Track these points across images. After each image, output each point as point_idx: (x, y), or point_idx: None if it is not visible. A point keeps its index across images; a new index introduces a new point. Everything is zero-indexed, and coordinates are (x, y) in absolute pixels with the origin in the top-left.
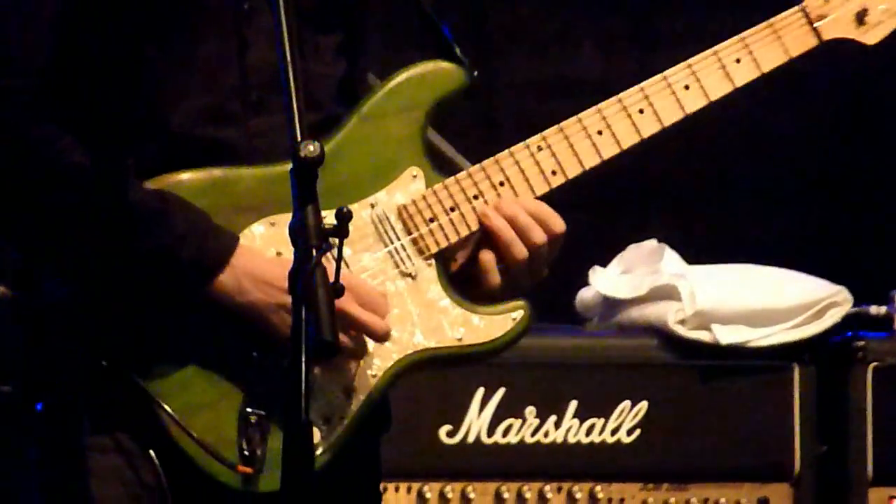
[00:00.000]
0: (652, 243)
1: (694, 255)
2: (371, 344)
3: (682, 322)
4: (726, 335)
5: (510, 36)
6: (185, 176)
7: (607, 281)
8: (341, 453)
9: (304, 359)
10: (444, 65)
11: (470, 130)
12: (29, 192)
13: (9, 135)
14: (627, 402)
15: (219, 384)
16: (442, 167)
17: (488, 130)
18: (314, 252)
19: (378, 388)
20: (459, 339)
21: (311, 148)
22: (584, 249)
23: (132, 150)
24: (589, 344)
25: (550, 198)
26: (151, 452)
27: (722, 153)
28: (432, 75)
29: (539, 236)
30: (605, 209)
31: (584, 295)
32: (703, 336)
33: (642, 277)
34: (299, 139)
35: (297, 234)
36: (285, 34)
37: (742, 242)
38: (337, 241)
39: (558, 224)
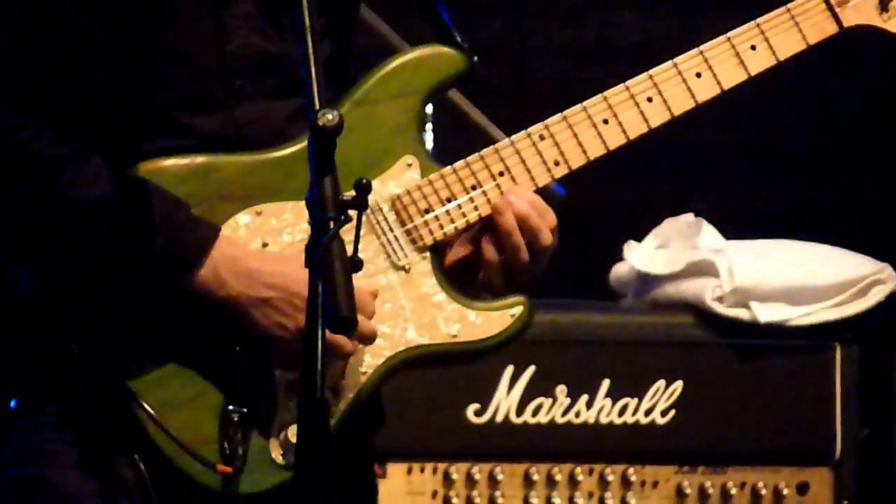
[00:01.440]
0: (689, 217)
1: (733, 229)
2: (359, 343)
3: (719, 299)
4: (765, 313)
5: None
6: (168, 162)
7: (642, 256)
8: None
9: (319, 335)
10: (443, 49)
11: (503, 98)
12: None
13: None
14: (662, 382)
15: (198, 380)
16: (474, 136)
17: (522, 98)
18: (331, 224)
19: (368, 386)
20: (454, 336)
21: (329, 116)
22: (618, 223)
23: (113, 138)
24: (622, 321)
25: (583, 170)
26: (135, 455)
27: (763, 124)
28: (429, 60)
29: (547, 238)
30: (640, 182)
31: (619, 270)
32: (741, 314)
33: (679, 252)
34: (317, 107)
35: (314, 206)
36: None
37: (783, 217)
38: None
39: (552, 220)
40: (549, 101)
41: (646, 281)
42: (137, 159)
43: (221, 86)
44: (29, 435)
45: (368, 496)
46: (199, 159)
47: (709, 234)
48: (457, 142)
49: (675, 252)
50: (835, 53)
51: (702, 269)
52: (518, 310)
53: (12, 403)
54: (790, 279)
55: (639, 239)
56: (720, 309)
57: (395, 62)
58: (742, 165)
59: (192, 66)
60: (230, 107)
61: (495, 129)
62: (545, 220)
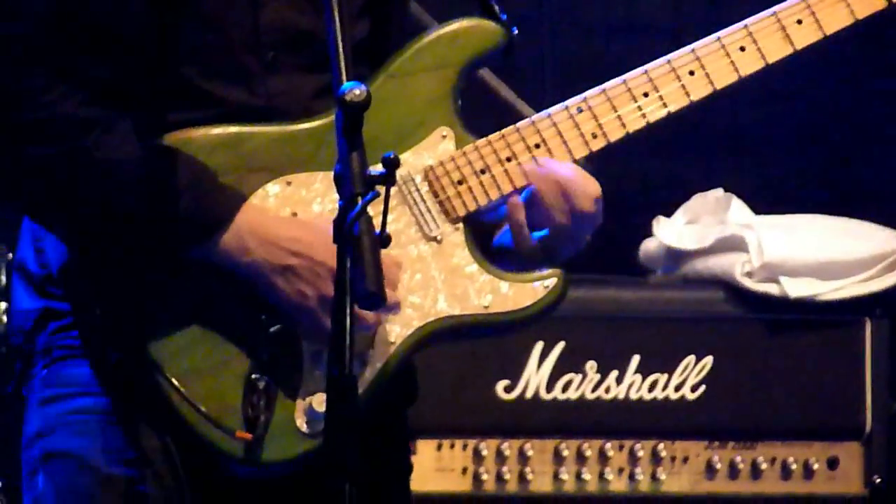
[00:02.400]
0: (718, 192)
1: (762, 204)
2: (381, 315)
3: (749, 274)
4: (795, 288)
5: None
6: (197, 133)
7: (672, 231)
8: (365, 420)
9: (348, 309)
10: (480, 21)
11: (533, 74)
12: (17, 143)
13: (1, 82)
14: (692, 358)
15: (223, 349)
16: (502, 113)
17: (553, 75)
18: (359, 200)
19: (396, 356)
20: (486, 307)
21: (357, 91)
22: (647, 199)
23: (143, 107)
24: (652, 297)
25: (612, 145)
26: (160, 425)
27: (793, 99)
28: (467, 33)
29: (586, 206)
30: (669, 157)
31: (648, 246)
32: (770, 289)
33: (708, 228)
34: (344, 82)
35: (342, 181)
36: None
37: (813, 192)
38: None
39: (595, 189)
40: (576, 78)
41: (675, 256)
42: (167, 129)
43: (253, 57)
44: (54, 406)
45: (402, 471)
46: (230, 130)
47: (738, 210)
48: (482, 118)
49: (704, 227)
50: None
51: (731, 244)
52: (552, 282)
53: (40, 374)
54: (820, 254)
55: (668, 214)
56: (750, 284)
57: (433, 34)
58: (772, 140)
59: (226, 36)
60: (261, 78)
61: (523, 104)
62: (584, 188)
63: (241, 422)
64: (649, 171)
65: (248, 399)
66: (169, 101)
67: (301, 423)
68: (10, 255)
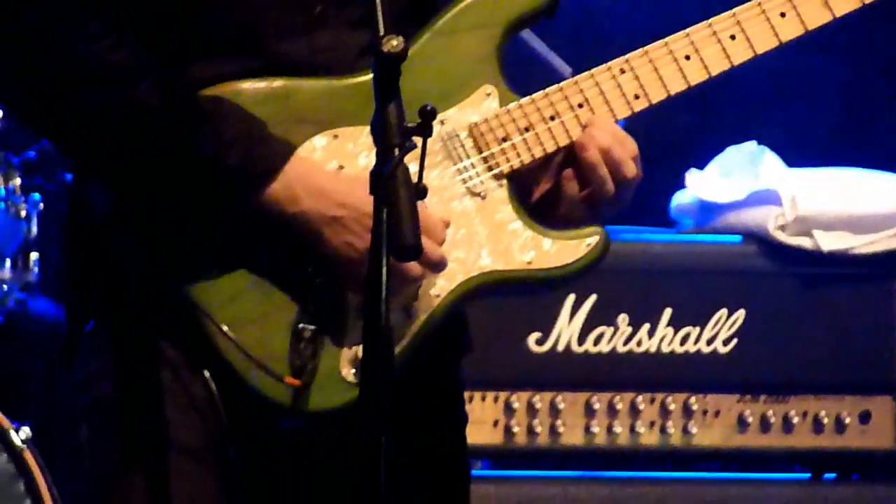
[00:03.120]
0: (751, 145)
1: (795, 157)
2: (427, 270)
3: (782, 228)
4: (828, 241)
5: None
6: (245, 84)
7: (705, 184)
8: (413, 373)
9: (384, 261)
10: None
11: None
12: (70, 89)
13: (48, 34)
14: (724, 311)
15: (270, 298)
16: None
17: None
18: (396, 151)
19: (441, 309)
20: (529, 263)
21: (394, 42)
22: (680, 152)
23: (191, 59)
24: (684, 250)
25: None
26: (205, 372)
27: (827, 52)
28: None
29: (630, 169)
30: (702, 110)
31: (681, 198)
32: (803, 242)
33: (741, 181)
34: (381, 33)
35: (378, 132)
36: None
37: (847, 145)
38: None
39: (634, 148)
40: (614, 47)
41: (708, 209)
42: (213, 81)
43: (300, 10)
44: (100, 357)
45: (457, 422)
46: (278, 83)
47: (771, 163)
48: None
49: (737, 180)
50: None
51: (764, 197)
52: (594, 239)
53: (88, 327)
54: (853, 207)
55: (701, 167)
56: (783, 237)
57: None
58: (806, 93)
59: None
60: (308, 32)
61: (558, 59)
62: (627, 150)
63: (288, 369)
64: (682, 123)
65: (295, 347)
66: (215, 52)
67: (347, 373)
68: (42, 203)
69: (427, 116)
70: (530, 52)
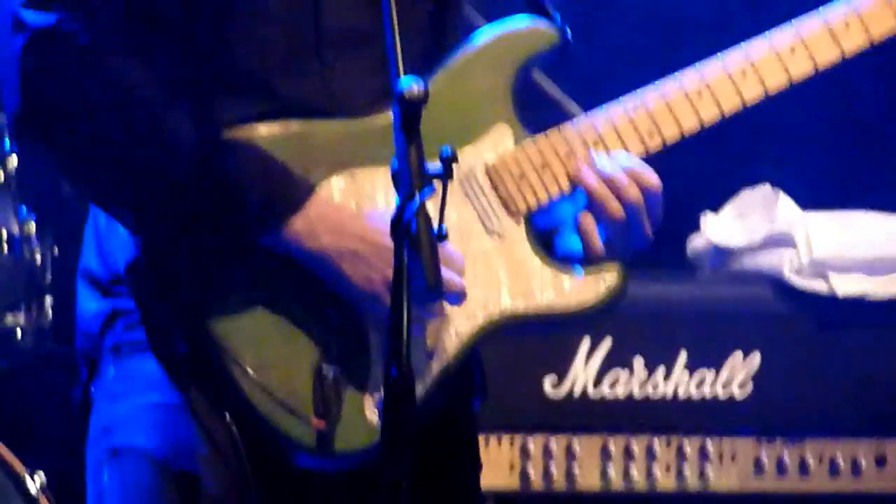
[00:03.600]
0: (766, 188)
1: (810, 201)
2: (448, 305)
3: (797, 271)
4: (844, 285)
5: None
6: (262, 129)
7: (720, 227)
8: (430, 414)
9: (405, 305)
10: (538, 23)
11: (577, 69)
12: (99, 117)
13: (77, 66)
14: (739, 354)
15: (293, 339)
16: (549, 109)
17: (596, 69)
18: (417, 194)
19: (462, 348)
20: (548, 302)
21: (414, 87)
22: (695, 194)
23: (208, 100)
24: (700, 293)
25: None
26: (227, 415)
27: (840, 95)
28: (525, 33)
29: (634, 192)
30: (717, 153)
31: (696, 241)
32: (818, 286)
33: (756, 224)
34: (401, 77)
35: (399, 177)
36: None
37: (861, 188)
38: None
39: (653, 179)
40: (620, 71)
41: (723, 252)
42: (231, 123)
43: (316, 57)
44: (122, 402)
45: (471, 465)
46: (294, 126)
47: (786, 206)
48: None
49: (752, 223)
50: None
51: (779, 240)
52: (612, 278)
53: (109, 371)
54: (868, 250)
55: (716, 210)
56: (798, 281)
57: (491, 34)
58: (819, 136)
59: (290, 33)
60: (323, 77)
61: (568, 99)
62: (636, 177)
63: (311, 411)
64: (697, 165)
65: (319, 389)
66: (232, 95)
67: (370, 415)
68: (56, 247)
69: (448, 162)
70: (543, 96)
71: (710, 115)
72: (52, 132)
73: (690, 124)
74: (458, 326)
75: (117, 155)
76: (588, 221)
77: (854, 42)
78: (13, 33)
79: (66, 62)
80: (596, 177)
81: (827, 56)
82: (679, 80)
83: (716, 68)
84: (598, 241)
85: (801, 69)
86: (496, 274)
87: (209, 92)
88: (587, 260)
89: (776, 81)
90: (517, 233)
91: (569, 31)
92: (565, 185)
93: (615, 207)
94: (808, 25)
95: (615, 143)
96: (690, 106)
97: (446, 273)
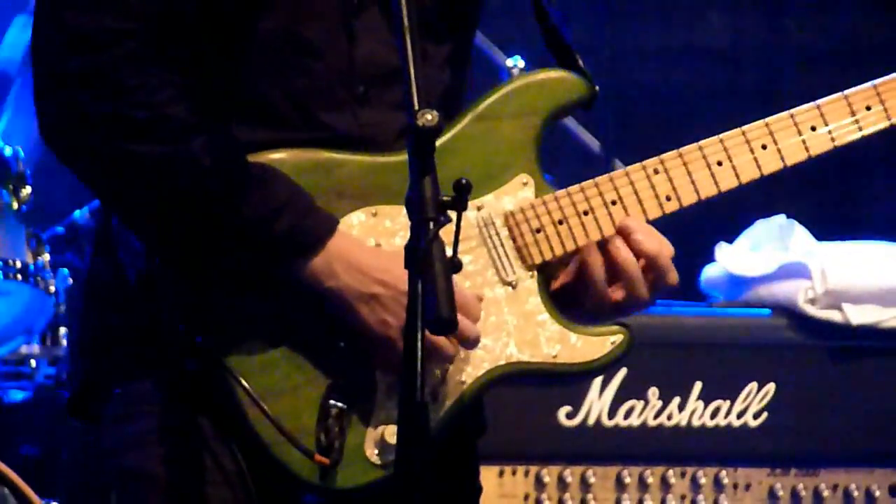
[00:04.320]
0: (781, 219)
1: (825, 232)
2: (463, 350)
3: (812, 301)
4: (858, 315)
5: (637, 2)
6: (287, 154)
7: (734, 258)
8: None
9: (420, 336)
10: (566, 74)
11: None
12: (123, 140)
13: (108, 79)
14: (754, 384)
15: (302, 371)
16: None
17: (614, 99)
18: (431, 225)
19: (467, 396)
20: (554, 357)
21: (429, 117)
22: (710, 225)
23: (235, 123)
24: (714, 323)
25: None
26: (233, 444)
27: None
28: (553, 83)
29: (674, 278)
30: None
31: (710, 272)
32: (833, 316)
33: (771, 254)
34: (417, 108)
35: (413, 205)
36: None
37: (875, 219)
38: (455, 214)
39: (670, 251)
40: (639, 104)
41: (738, 283)
42: (260, 147)
43: (346, 88)
44: (129, 425)
45: (472, 494)
46: (321, 155)
47: (801, 236)
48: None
49: (767, 254)
50: None
51: (794, 271)
52: (618, 338)
53: (115, 391)
54: (883, 281)
55: (730, 241)
56: (813, 311)
57: (521, 81)
58: (834, 167)
59: (322, 64)
60: (352, 108)
61: (584, 130)
62: (665, 252)
63: (314, 445)
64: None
65: (323, 423)
66: (262, 120)
67: (371, 454)
68: (70, 278)
69: (462, 190)
70: (560, 126)
71: (727, 185)
72: (79, 141)
73: (708, 192)
74: (464, 372)
75: (139, 172)
76: (597, 272)
77: (873, 124)
78: (55, 36)
79: (105, 71)
80: (630, 252)
81: (846, 137)
82: (700, 147)
83: (737, 140)
84: (604, 294)
85: (821, 147)
86: (506, 324)
87: (237, 117)
88: (588, 309)
89: (796, 158)
90: (530, 284)
91: (597, 87)
92: (581, 241)
93: (642, 288)
94: (830, 105)
95: (634, 206)
96: (709, 173)
97: (462, 319)
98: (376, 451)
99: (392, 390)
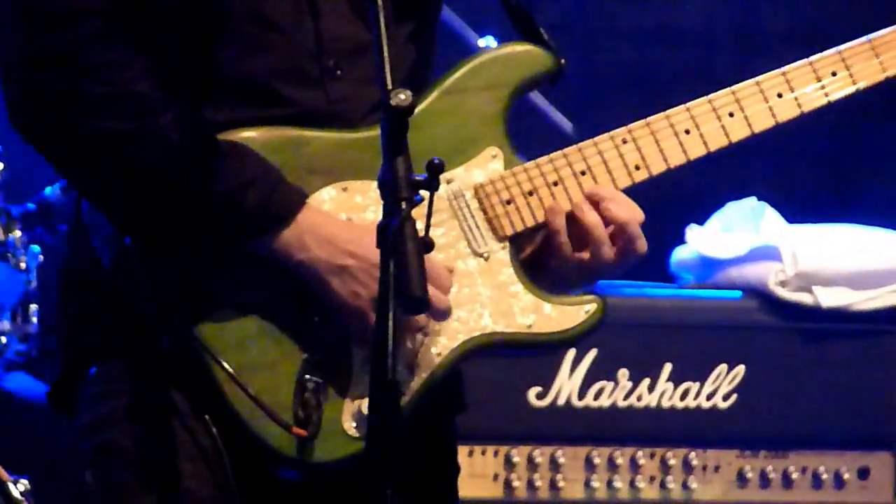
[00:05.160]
0: (752, 201)
1: (795, 214)
2: (435, 322)
3: (782, 283)
4: (828, 298)
5: None
6: (257, 132)
7: (705, 239)
8: (410, 430)
9: (391, 314)
10: (532, 47)
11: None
12: (89, 117)
13: (74, 58)
14: (724, 366)
15: (278, 346)
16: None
17: (587, 79)
18: (403, 204)
19: (442, 367)
20: (529, 326)
21: (402, 97)
22: (681, 207)
23: (205, 103)
24: (685, 305)
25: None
26: (206, 417)
27: (827, 108)
28: (520, 56)
29: (643, 245)
30: (703, 166)
31: (681, 254)
32: (804, 298)
33: (742, 237)
34: (390, 87)
35: (386, 185)
36: None
37: (847, 202)
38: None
39: (640, 216)
40: (613, 85)
41: (709, 265)
42: (227, 125)
43: (314, 63)
44: (104, 403)
45: (451, 473)
46: (291, 132)
47: (772, 219)
48: (520, 129)
49: (738, 236)
50: None
51: (765, 253)
52: (592, 307)
53: (91, 369)
54: (853, 264)
55: (702, 223)
56: (783, 293)
57: (487, 55)
58: (805, 150)
59: (290, 38)
60: (322, 84)
61: (556, 112)
62: (636, 220)
63: (292, 419)
64: (683, 179)
65: (300, 398)
66: (229, 98)
67: (349, 426)
68: (41, 255)
69: (434, 170)
70: (529, 104)
71: (696, 153)
72: (46, 121)
73: (677, 160)
74: (439, 344)
75: (109, 149)
76: (565, 245)
77: (840, 89)
78: (19, 16)
79: (70, 50)
80: (596, 215)
81: (813, 103)
82: (667, 116)
83: (704, 108)
84: (568, 257)
85: (788, 114)
86: (479, 295)
87: (206, 93)
88: (556, 276)
89: (763, 125)
90: (502, 255)
91: (563, 60)
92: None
93: (608, 249)
94: (796, 71)
95: (603, 175)
96: (678, 141)
97: (433, 291)
98: (354, 424)
99: (367, 363)
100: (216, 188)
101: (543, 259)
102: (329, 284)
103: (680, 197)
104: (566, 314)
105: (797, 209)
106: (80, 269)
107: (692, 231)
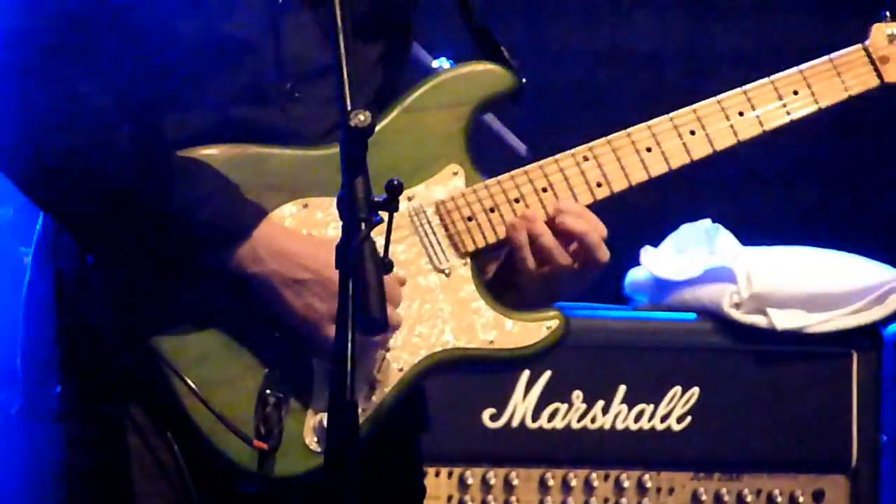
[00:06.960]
0: (706, 223)
1: (749, 236)
2: (399, 337)
3: (736, 305)
4: (783, 320)
5: (562, 3)
6: (217, 150)
7: (659, 261)
8: (373, 448)
9: (350, 335)
10: (493, 66)
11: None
12: (46, 133)
13: (31, 72)
14: (678, 388)
15: (239, 361)
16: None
17: (538, 100)
18: (363, 225)
19: (404, 383)
20: (490, 342)
21: (361, 117)
22: (634, 228)
23: (166, 122)
24: (639, 326)
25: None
26: (168, 434)
27: (781, 131)
28: (481, 74)
29: (604, 254)
30: (657, 187)
31: (635, 275)
32: (758, 320)
33: (696, 258)
34: (349, 108)
35: (345, 206)
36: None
37: (801, 224)
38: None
39: (604, 232)
40: (567, 104)
41: (663, 286)
42: (189, 142)
43: (275, 84)
44: (65, 423)
45: (416, 496)
46: (251, 149)
47: (726, 240)
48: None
49: (692, 258)
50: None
51: (719, 275)
52: (554, 323)
53: (55, 389)
54: (807, 286)
55: (656, 244)
56: (737, 315)
57: (448, 74)
58: (759, 172)
59: (250, 56)
60: (282, 104)
61: (512, 135)
62: (599, 234)
63: (252, 434)
64: (637, 200)
65: (261, 412)
66: (188, 114)
67: (310, 440)
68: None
69: (394, 191)
70: (486, 128)
71: (658, 170)
72: (3, 137)
73: (638, 178)
74: (400, 361)
75: (62, 164)
76: (523, 251)
77: (801, 108)
78: None
79: (28, 65)
80: (543, 225)
81: (775, 121)
82: (629, 133)
83: (665, 126)
84: (530, 270)
85: (749, 132)
86: (441, 311)
87: (164, 109)
88: (522, 294)
89: (724, 143)
90: (463, 272)
91: (524, 80)
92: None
93: (561, 255)
94: (758, 90)
95: (564, 192)
96: (639, 158)
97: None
98: (315, 439)
99: (328, 377)
100: (170, 204)
101: (508, 276)
102: (283, 297)
103: (634, 218)
104: (528, 330)
105: (751, 231)
106: (43, 292)
107: (646, 253)
